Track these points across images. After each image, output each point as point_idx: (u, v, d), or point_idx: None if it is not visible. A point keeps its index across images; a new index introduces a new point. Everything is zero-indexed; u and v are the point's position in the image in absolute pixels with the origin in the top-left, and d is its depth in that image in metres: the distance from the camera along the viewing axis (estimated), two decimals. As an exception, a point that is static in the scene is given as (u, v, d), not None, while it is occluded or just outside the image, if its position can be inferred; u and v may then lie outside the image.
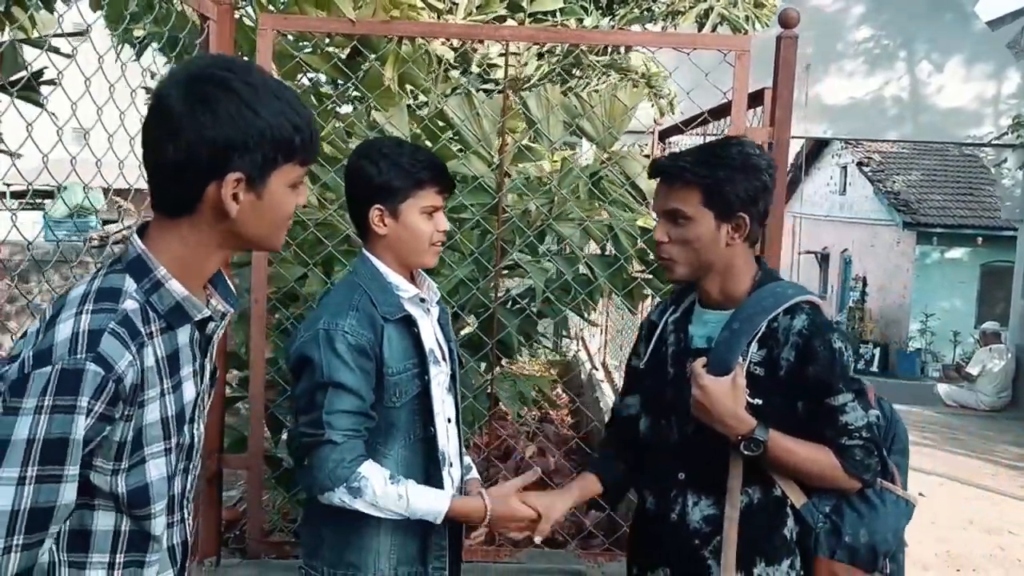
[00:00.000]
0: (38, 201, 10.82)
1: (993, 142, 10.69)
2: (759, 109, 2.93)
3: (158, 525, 1.31)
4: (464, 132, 2.98)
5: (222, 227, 1.27)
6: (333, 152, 3.02)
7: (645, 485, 1.97)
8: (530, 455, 5.60)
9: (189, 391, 1.34)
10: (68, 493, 1.17)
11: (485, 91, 4.90)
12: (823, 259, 24.60)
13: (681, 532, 1.84)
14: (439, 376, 2.01)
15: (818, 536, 1.80)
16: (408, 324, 1.94)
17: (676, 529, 1.85)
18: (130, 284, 1.25)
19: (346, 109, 3.67)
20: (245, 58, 3.03)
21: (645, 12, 5.62)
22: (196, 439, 1.39)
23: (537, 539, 1.97)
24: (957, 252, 18.81)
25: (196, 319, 1.31)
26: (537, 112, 2.98)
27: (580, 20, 5.52)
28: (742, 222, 1.78)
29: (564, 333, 8.59)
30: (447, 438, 2.03)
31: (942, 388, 11.29)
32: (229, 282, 1.44)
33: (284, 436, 3.12)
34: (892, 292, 20.07)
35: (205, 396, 1.43)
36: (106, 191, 2.72)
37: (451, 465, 2.04)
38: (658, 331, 1.96)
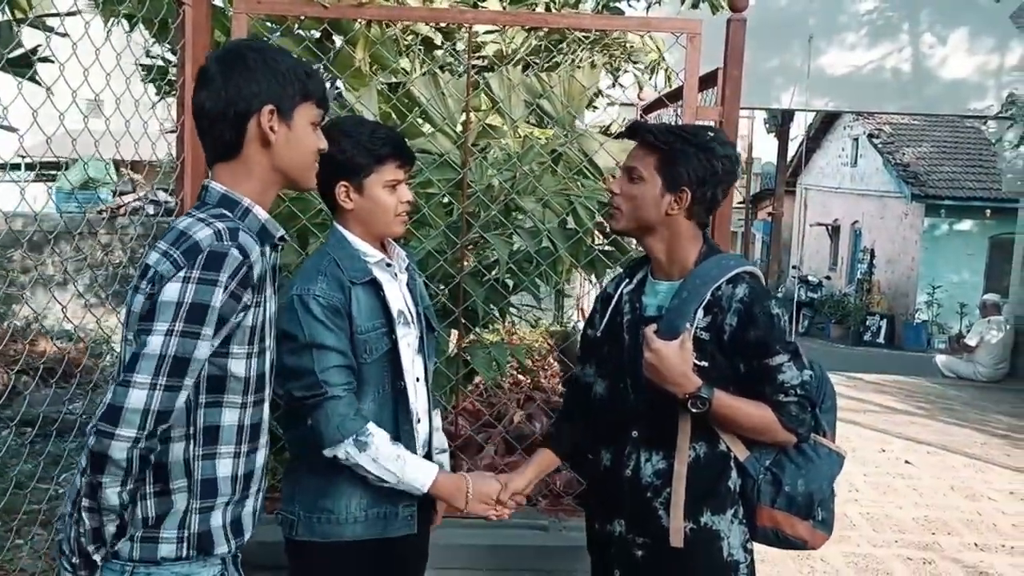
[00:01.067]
0: (51, 172, 11.03)
1: (993, 115, 10.68)
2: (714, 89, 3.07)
3: (265, 412, 1.70)
4: (430, 111, 3.13)
5: (267, 161, 1.61)
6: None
7: (601, 444, 2.10)
8: (518, 420, 5.79)
9: (272, 307, 1.70)
10: (202, 350, 1.48)
11: (474, 68, 5.03)
12: (834, 231, 24.54)
13: (635, 486, 1.99)
14: (408, 337, 2.16)
15: (759, 486, 1.96)
16: (375, 287, 2.09)
17: (630, 483, 2.00)
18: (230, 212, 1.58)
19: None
20: (219, 41, 3.18)
21: (631, -11, 5.70)
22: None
23: (495, 516, 2.12)
24: (966, 224, 18.74)
25: (276, 237, 1.66)
26: (499, 92, 3.12)
27: (568, -2, 5.62)
28: (684, 196, 1.93)
29: (561, 304, 8.76)
30: (415, 395, 2.17)
31: (940, 359, 11.33)
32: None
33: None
34: (901, 264, 20.03)
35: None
36: (117, 165, 2.89)
37: (419, 421, 2.19)
38: (613, 301, 2.10)
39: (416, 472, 2.03)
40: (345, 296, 2.03)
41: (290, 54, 1.64)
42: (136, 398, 1.43)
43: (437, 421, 2.35)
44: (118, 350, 1.65)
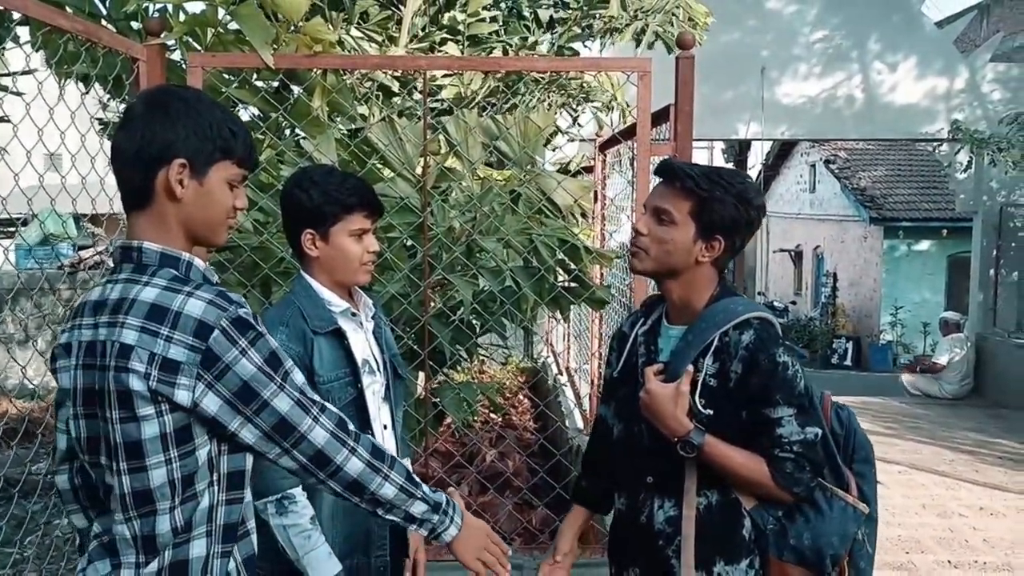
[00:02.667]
0: (10, 230, 10.91)
1: (942, 139, 10.93)
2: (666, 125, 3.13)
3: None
4: (388, 156, 3.16)
5: (175, 214, 1.52)
6: (268, 179, 3.19)
7: (618, 489, 2.08)
8: (491, 459, 5.78)
9: None
10: (300, 375, 1.55)
11: (433, 111, 5.08)
12: (797, 256, 24.84)
13: (648, 533, 1.95)
14: (373, 385, 2.16)
15: (768, 537, 1.90)
16: (339, 337, 2.09)
17: (644, 530, 1.96)
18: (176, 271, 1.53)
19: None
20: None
21: (585, 29, 5.81)
22: None
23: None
24: (924, 244, 19.06)
25: (213, 283, 1.59)
26: (456, 135, 3.16)
27: (524, 39, 5.72)
28: (717, 244, 1.89)
29: (530, 340, 8.80)
30: (383, 443, 2.12)
31: (905, 378, 11.45)
32: None
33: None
34: (863, 286, 20.30)
35: None
36: (77, 218, 2.87)
37: None
38: (629, 343, 2.08)
39: (318, 563, 1.99)
40: (306, 349, 2.03)
41: (222, 108, 1.58)
42: (320, 435, 1.53)
43: (407, 466, 2.34)
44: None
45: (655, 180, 2.00)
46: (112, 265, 1.58)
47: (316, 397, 1.56)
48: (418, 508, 1.68)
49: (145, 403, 1.43)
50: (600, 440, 2.21)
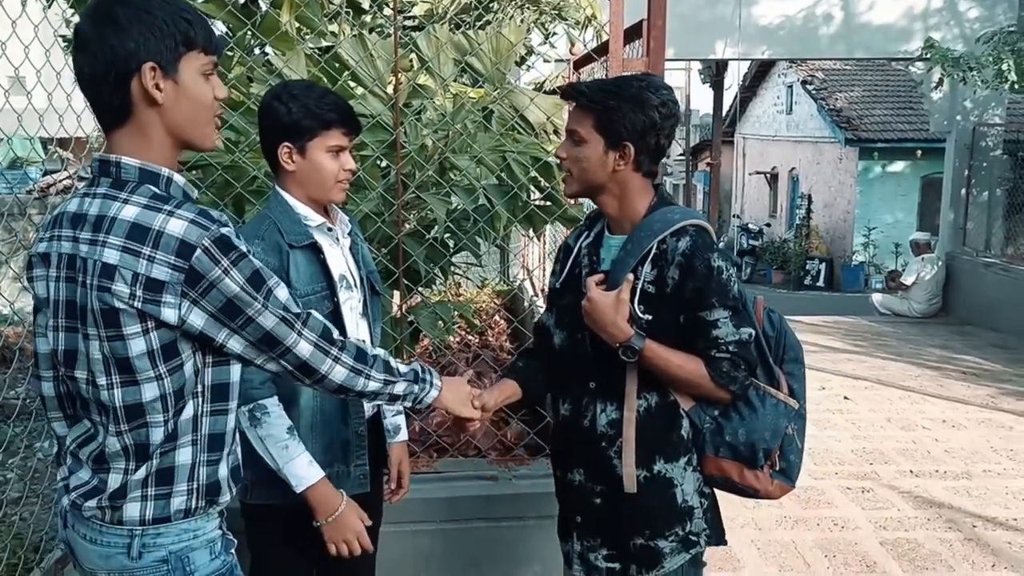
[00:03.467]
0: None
1: (915, 58, 10.89)
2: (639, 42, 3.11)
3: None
4: (360, 73, 3.13)
5: (159, 121, 1.50)
6: (238, 97, 3.16)
7: (560, 394, 2.14)
8: (468, 379, 5.85)
9: None
10: (284, 291, 1.56)
11: (407, 28, 5.01)
12: (772, 179, 24.92)
13: (591, 436, 2.02)
14: (350, 301, 2.18)
15: (704, 435, 2.01)
16: (315, 251, 2.10)
17: (587, 433, 2.03)
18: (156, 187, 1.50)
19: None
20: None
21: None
22: None
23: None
24: (898, 166, 19.17)
25: (194, 200, 1.58)
26: (428, 51, 3.13)
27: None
28: (627, 151, 1.94)
29: (506, 263, 8.83)
30: None
31: (876, 298, 11.65)
32: None
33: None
34: (837, 208, 20.45)
35: None
36: (44, 142, 2.83)
37: None
38: (573, 254, 2.13)
39: (299, 471, 2.02)
40: (282, 262, 2.04)
41: (167, 1, 1.51)
42: (305, 347, 1.57)
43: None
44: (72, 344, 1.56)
45: None
46: (90, 177, 1.57)
47: (299, 310, 1.58)
48: (399, 388, 1.75)
49: (132, 321, 1.44)
50: (543, 344, 2.23)
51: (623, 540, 2.04)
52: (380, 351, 1.75)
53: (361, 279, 2.26)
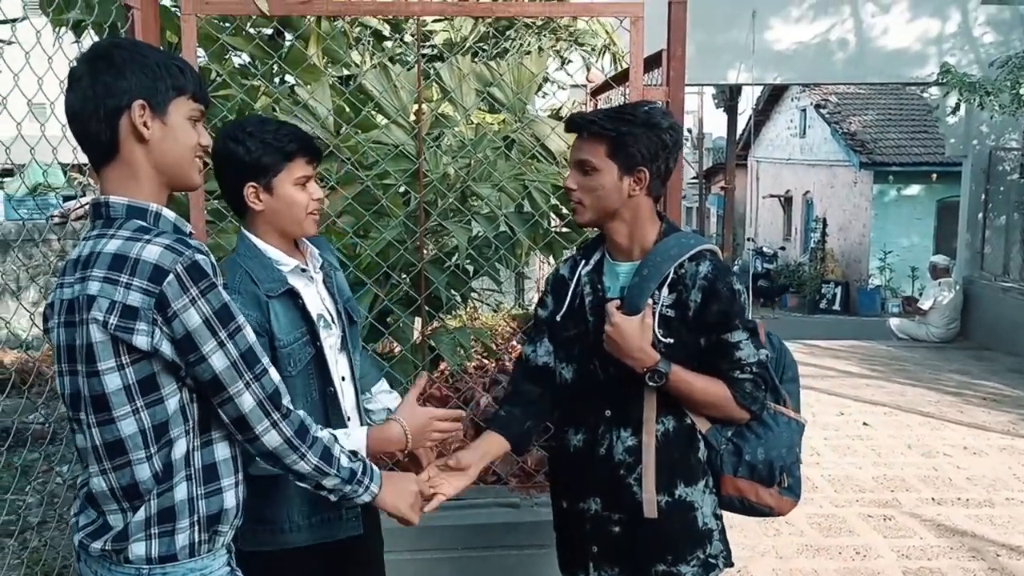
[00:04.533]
0: (2, 180, 10.83)
1: (931, 83, 10.89)
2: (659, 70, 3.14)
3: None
4: (383, 103, 3.17)
5: (145, 159, 1.54)
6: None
7: (570, 426, 2.12)
8: (485, 404, 5.86)
9: None
10: (251, 333, 1.58)
11: (424, 58, 5.06)
12: (786, 202, 24.88)
13: (608, 464, 2.02)
14: (330, 339, 2.12)
15: (722, 456, 2.03)
16: (292, 297, 2.04)
17: (604, 462, 2.03)
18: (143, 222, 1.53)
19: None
20: (171, 42, 3.19)
21: (576, -28, 5.75)
22: None
23: (430, 506, 2.01)
24: (913, 189, 19.10)
25: (187, 233, 1.60)
26: (450, 81, 3.17)
27: (514, -19, 5.65)
28: (642, 175, 1.96)
29: (522, 287, 8.85)
30: (343, 396, 2.13)
31: (893, 322, 11.58)
32: None
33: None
34: (852, 231, 20.38)
35: None
36: (64, 168, 2.86)
37: (350, 419, 2.17)
38: (572, 284, 2.11)
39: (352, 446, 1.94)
40: (263, 313, 1.99)
41: (160, 49, 1.59)
42: (247, 401, 1.55)
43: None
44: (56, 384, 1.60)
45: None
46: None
47: (259, 360, 1.58)
48: (330, 482, 1.70)
49: (107, 355, 1.46)
50: (529, 379, 2.20)
51: (644, 567, 2.04)
52: (326, 436, 1.71)
53: (339, 311, 2.19)
